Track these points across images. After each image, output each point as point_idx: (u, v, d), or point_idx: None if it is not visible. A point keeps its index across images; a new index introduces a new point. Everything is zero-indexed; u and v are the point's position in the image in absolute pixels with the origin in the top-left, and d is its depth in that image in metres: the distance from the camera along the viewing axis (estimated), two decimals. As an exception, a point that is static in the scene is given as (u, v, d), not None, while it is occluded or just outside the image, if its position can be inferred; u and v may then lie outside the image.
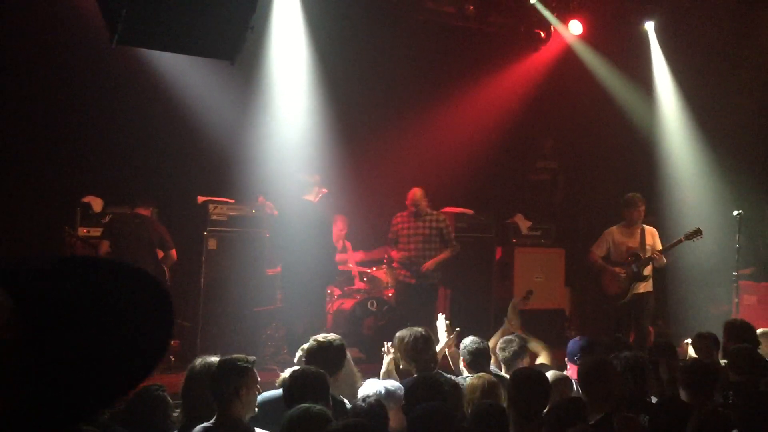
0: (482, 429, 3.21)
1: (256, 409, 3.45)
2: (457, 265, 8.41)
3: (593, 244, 7.50)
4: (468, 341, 4.60)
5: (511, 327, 5.73)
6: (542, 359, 5.30)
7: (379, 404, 3.33)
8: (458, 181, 9.41)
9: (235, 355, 3.50)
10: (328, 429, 2.84)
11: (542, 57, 9.90)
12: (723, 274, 8.04)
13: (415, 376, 4.29)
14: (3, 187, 7.15)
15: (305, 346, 4.22)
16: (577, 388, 4.07)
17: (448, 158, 9.35)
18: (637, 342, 6.84)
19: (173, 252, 6.91)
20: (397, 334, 4.54)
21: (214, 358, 3.58)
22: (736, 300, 7.68)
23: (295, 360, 4.46)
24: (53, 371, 1.00)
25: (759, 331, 5.45)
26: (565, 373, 4.56)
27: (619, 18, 9.64)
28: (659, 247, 7.26)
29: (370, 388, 3.66)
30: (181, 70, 7.45)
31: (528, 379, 3.55)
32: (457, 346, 4.82)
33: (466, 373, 4.48)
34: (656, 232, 7.38)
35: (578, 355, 4.68)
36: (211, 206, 7.37)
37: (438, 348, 4.80)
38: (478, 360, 4.49)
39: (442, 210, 8.40)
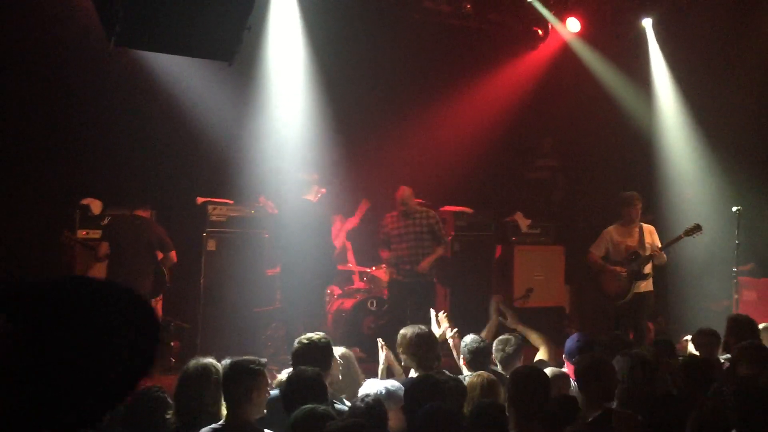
0: (482, 428, 3.21)
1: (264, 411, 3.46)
2: (456, 264, 8.42)
3: (592, 245, 7.48)
4: (468, 339, 4.62)
5: (510, 322, 5.76)
6: (541, 354, 5.32)
7: (378, 404, 3.33)
8: (457, 179, 9.42)
9: (246, 357, 3.50)
10: (327, 429, 2.84)
11: (540, 55, 9.90)
12: (722, 271, 8.03)
13: (416, 375, 4.31)
14: (2, 189, 7.15)
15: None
16: (575, 385, 4.08)
17: (447, 157, 9.36)
18: (636, 340, 6.84)
19: (173, 253, 6.90)
20: (401, 332, 4.57)
21: (209, 360, 3.58)
22: (736, 296, 7.66)
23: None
24: (46, 381, 1.05)
25: (760, 326, 5.46)
26: (563, 370, 4.57)
27: (616, 15, 9.64)
28: (658, 244, 7.24)
29: (371, 388, 3.66)
30: (179, 72, 7.45)
31: (527, 378, 3.55)
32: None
33: (466, 372, 4.49)
34: (654, 230, 7.36)
35: (576, 355, 4.68)
36: (210, 207, 7.37)
37: (438, 333, 4.84)
38: (478, 358, 4.51)
39: (441, 209, 8.41)
